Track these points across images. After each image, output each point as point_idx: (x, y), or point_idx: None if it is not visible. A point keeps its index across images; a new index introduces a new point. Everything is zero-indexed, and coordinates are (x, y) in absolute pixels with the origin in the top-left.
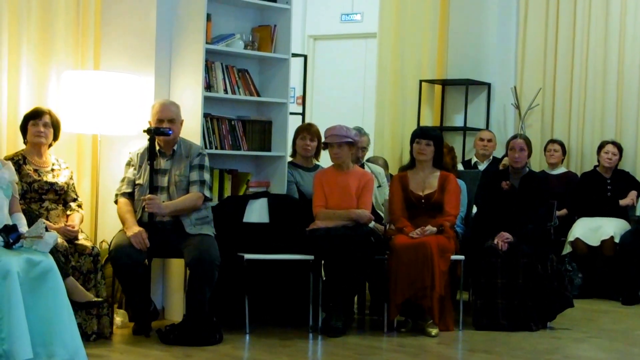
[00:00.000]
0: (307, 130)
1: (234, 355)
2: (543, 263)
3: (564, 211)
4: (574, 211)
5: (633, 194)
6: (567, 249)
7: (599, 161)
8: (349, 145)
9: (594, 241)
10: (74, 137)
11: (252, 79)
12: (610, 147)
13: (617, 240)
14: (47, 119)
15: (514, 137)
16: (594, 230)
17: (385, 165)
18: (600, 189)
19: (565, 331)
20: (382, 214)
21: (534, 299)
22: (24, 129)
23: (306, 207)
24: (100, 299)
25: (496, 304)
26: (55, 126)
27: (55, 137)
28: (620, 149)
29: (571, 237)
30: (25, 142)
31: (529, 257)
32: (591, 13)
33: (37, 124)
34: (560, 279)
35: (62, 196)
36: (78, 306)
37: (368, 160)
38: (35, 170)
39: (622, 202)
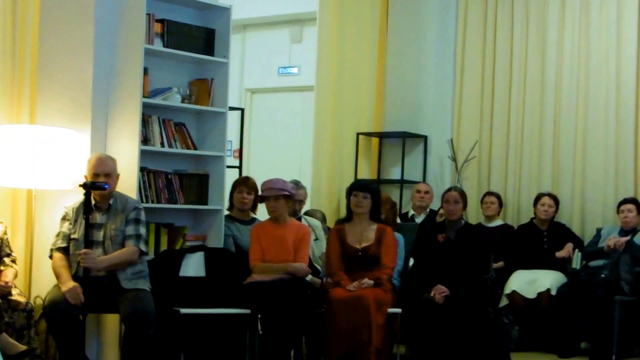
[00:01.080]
0: (244, 183)
1: None
2: (480, 316)
3: (500, 263)
4: (511, 263)
5: (569, 246)
6: (504, 302)
7: (535, 213)
8: (286, 198)
9: (530, 294)
10: (8, 192)
11: (189, 132)
12: (546, 199)
13: (553, 292)
14: None
15: (449, 189)
16: (531, 282)
17: (323, 219)
18: (537, 242)
19: None
20: (319, 267)
21: (471, 352)
22: None
23: (243, 261)
24: (32, 347)
25: (433, 357)
26: None
27: None
28: (556, 201)
29: (508, 289)
30: None
31: (465, 309)
32: (527, 66)
33: None
34: (497, 332)
35: None
36: None
37: (305, 214)
38: None
39: (559, 254)
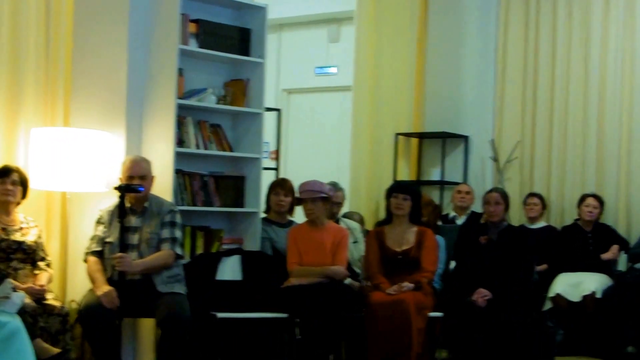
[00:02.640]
0: (280, 185)
1: None
2: (523, 319)
3: (544, 266)
4: (555, 266)
5: (615, 248)
6: (548, 305)
7: (579, 215)
8: (323, 200)
9: (575, 297)
10: (42, 195)
11: (224, 133)
12: (591, 200)
13: (598, 295)
14: (15, 177)
15: (490, 190)
16: (575, 285)
17: (361, 221)
18: (582, 243)
19: None
20: (358, 271)
21: (514, 356)
22: None
23: (280, 264)
24: (67, 349)
25: None
26: (24, 184)
27: (24, 195)
28: (601, 202)
29: (552, 292)
30: None
31: (508, 313)
32: (570, 65)
33: (5, 182)
34: (541, 336)
35: (31, 255)
36: None
37: (344, 216)
38: (3, 229)
39: (604, 256)
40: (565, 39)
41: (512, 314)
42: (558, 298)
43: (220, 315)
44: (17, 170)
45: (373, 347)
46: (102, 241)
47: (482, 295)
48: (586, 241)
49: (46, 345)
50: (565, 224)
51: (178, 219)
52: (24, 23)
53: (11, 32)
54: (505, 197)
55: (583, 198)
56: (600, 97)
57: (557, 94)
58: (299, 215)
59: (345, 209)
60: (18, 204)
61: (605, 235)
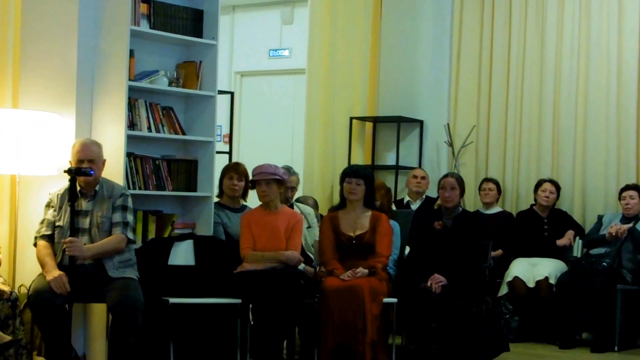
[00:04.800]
0: (234, 169)
1: None
2: (478, 305)
3: (499, 252)
4: (510, 251)
5: (570, 233)
6: (504, 291)
7: (535, 200)
8: (278, 183)
9: (529, 282)
10: None
11: (177, 116)
12: (547, 186)
13: (552, 281)
14: None
15: (446, 175)
16: (530, 270)
17: (315, 206)
18: (537, 229)
19: None
20: (312, 256)
21: (469, 342)
22: None
23: (233, 249)
24: (17, 337)
25: (430, 348)
26: None
27: None
28: (557, 187)
29: (509, 277)
30: None
31: (463, 299)
32: (526, 48)
33: None
34: (496, 322)
35: None
36: None
37: (297, 200)
38: None
39: (560, 242)
40: (520, 24)
41: (467, 299)
42: (515, 282)
43: (172, 300)
44: None
45: (327, 333)
46: (52, 225)
47: (436, 281)
48: (542, 227)
49: None
50: (520, 210)
51: (129, 202)
52: None
53: None
54: (460, 182)
55: (540, 183)
56: (556, 80)
57: (512, 78)
58: (252, 200)
59: (299, 193)
60: None
61: (561, 220)
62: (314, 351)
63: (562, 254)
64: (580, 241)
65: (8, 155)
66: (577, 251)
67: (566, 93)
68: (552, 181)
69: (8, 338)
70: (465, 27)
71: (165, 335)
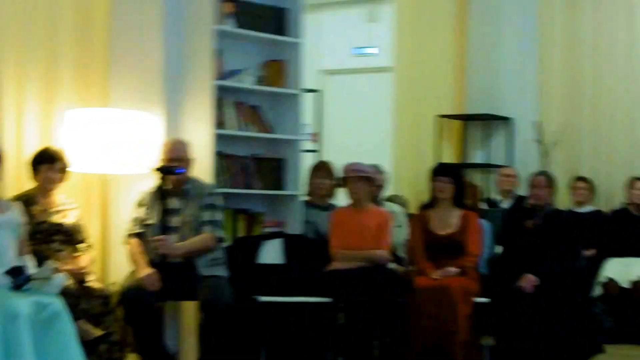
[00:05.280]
0: (321, 168)
1: None
2: (571, 306)
3: (592, 251)
4: (604, 251)
5: None
6: (597, 291)
7: (629, 198)
8: (367, 181)
9: (624, 282)
10: (82, 176)
11: (264, 115)
12: None
13: None
14: (61, 164)
15: (536, 173)
16: (625, 271)
17: (404, 204)
18: (632, 228)
19: None
20: (401, 255)
21: (561, 343)
22: (34, 168)
23: (323, 248)
24: (110, 331)
25: (522, 348)
26: (66, 170)
27: (64, 179)
28: None
29: (602, 277)
30: (34, 179)
31: (556, 299)
32: (615, 42)
33: (52, 169)
34: (590, 323)
35: (71, 237)
36: (89, 346)
37: (387, 200)
38: (43, 211)
39: None
40: (609, 14)
41: (560, 300)
42: (610, 283)
43: (262, 298)
44: (62, 157)
45: (417, 333)
46: (143, 223)
47: (528, 280)
48: (636, 225)
49: (89, 327)
50: (613, 208)
51: (218, 201)
52: (60, 3)
53: (47, 13)
54: (551, 180)
55: (633, 181)
56: None
57: (602, 73)
58: (340, 199)
59: (387, 192)
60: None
61: None
62: (405, 351)
63: None
64: None
65: (98, 154)
66: None
67: None
68: None
69: (100, 332)
70: (552, 21)
71: (255, 333)
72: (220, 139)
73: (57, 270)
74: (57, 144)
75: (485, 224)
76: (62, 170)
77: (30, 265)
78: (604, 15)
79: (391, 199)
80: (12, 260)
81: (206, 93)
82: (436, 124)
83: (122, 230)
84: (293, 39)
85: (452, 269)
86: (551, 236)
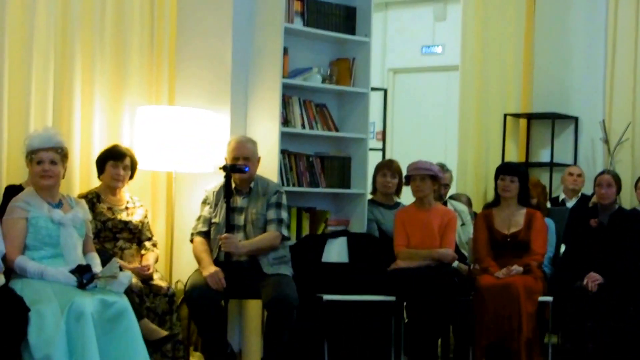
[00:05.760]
0: (387, 166)
1: None
2: (635, 305)
3: None
4: None
5: None
6: None
7: None
8: (432, 179)
9: None
10: (148, 174)
11: (330, 113)
12: None
13: None
14: (127, 161)
15: (602, 172)
16: None
17: (469, 203)
18: None
19: None
20: (466, 254)
21: (625, 342)
22: (100, 165)
23: (387, 246)
24: (174, 332)
25: (586, 347)
26: (133, 167)
27: (131, 177)
28: None
29: None
30: (99, 179)
31: (620, 298)
32: None
33: (117, 166)
34: None
35: (137, 235)
36: (153, 346)
37: (451, 198)
38: (109, 209)
39: None
40: None
41: (624, 298)
42: None
43: (326, 297)
44: (129, 154)
45: (482, 332)
46: (208, 222)
47: (593, 280)
48: None
49: (154, 326)
50: None
51: (284, 200)
52: (128, 1)
53: (115, 10)
54: (617, 179)
55: None
56: None
57: None
58: (405, 197)
59: (452, 190)
60: (125, 184)
61: None
62: (469, 349)
63: None
64: None
65: (164, 153)
66: None
67: None
68: None
69: (165, 333)
70: (620, 20)
71: (320, 332)
72: (287, 137)
73: (122, 269)
74: (124, 142)
75: (550, 222)
76: (129, 167)
77: (96, 264)
78: None
79: (456, 197)
80: (78, 259)
81: (274, 91)
82: (502, 122)
83: (188, 228)
84: (361, 37)
85: (517, 268)
86: (616, 235)
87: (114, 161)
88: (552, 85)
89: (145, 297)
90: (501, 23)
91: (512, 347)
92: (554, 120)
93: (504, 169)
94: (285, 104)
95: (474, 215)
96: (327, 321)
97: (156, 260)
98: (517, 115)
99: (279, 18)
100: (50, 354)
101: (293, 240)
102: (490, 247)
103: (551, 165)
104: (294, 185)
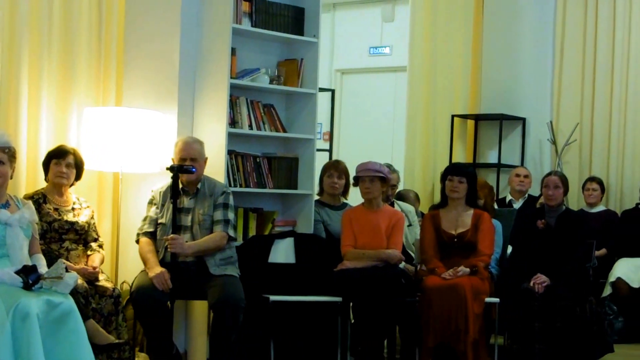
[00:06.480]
0: (334, 167)
1: None
2: (582, 306)
3: (603, 251)
4: (614, 251)
5: None
6: (607, 291)
7: None
8: (381, 180)
9: (635, 282)
10: (94, 175)
11: (277, 114)
12: None
13: None
14: (70, 159)
15: (549, 173)
16: (635, 271)
17: (417, 199)
18: None
19: None
20: (412, 254)
21: (572, 343)
22: (46, 166)
23: (334, 247)
24: (121, 341)
25: (533, 348)
26: (79, 166)
27: (78, 177)
28: None
29: (612, 277)
30: (46, 180)
31: (566, 299)
32: (630, 44)
33: (60, 164)
34: (600, 323)
35: (83, 236)
36: (99, 349)
37: (399, 194)
38: (56, 210)
39: None
40: (625, 16)
41: (571, 300)
42: (619, 283)
43: (273, 298)
44: (74, 153)
45: (428, 332)
46: (154, 222)
47: (540, 281)
48: None
49: (100, 330)
50: (624, 209)
51: (231, 200)
52: (76, 1)
53: (63, 11)
54: (564, 180)
55: None
56: None
57: (616, 75)
58: (352, 198)
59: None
60: (71, 185)
61: None
62: (415, 350)
63: None
64: None
65: (111, 153)
66: None
67: None
68: None
69: (112, 339)
70: (568, 23)
71: (266, 332)
72: (234, 137)
73: (68, 270)
74: (71, 143)
75: (497, 224)
76: (72, 165)
77: (42, 264)
78: (619, 15)
79: (404, 192)
80: (24, 259)
81: (221, 92)
82: (450, 123)
83: (134, 229)
84: (309, 38)
85: (463, 269)
86: (563, 237)
87: (57, 159)
88: (500, 87)
89: (91, 298)
90: (449, 24)
91: (459, 348)
92: (502, 121)
93: (453, 170)
94: (233, 104)
95: (421, 216)
96: (274, 322)
97: (102, 261)
98: (464, 116)
99: (227, 19)
100: None
101: (240, 241)
102: (437, 248)
103: (498, 166)
104: (241, 185)
